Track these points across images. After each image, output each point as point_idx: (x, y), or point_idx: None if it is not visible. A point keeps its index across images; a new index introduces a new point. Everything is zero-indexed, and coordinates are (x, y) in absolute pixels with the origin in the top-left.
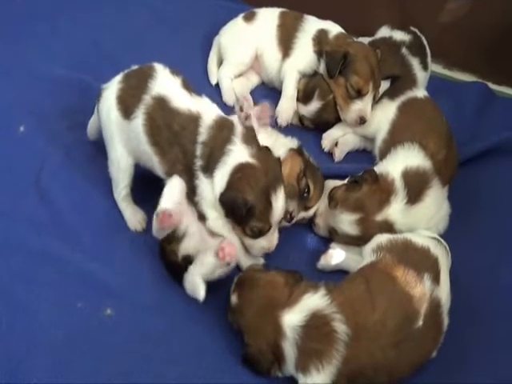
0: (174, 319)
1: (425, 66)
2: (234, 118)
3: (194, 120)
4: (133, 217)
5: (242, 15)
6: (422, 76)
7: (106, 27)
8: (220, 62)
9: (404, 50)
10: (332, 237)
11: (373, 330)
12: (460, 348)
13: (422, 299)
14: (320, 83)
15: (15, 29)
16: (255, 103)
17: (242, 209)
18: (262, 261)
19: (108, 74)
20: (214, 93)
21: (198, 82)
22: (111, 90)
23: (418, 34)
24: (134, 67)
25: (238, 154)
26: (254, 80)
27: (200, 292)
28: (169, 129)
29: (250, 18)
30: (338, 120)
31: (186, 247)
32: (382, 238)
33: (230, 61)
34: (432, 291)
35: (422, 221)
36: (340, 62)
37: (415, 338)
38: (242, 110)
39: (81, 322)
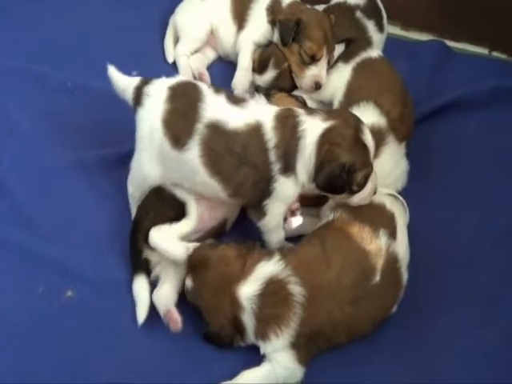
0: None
1: (380, 28)
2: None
3: (255, 132)
4: None
5: None
6: (377, 38)
7: (62, 15)
8: (177, 41)
9: (358, 13)
10: None
11: (329, 288)
12: (420, 301)
13: (379, 255)
14: (275, 52)
15: None
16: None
17: (342, 175)
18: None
19: (66, 62)
20: (172, 71)
21: (156, 62)
22: (156, 108)
23: None
24: (176, 80)
25: (312, 129)
26: (210, 55)
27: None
28: (231, 153)
29: None
30: (294, 88)
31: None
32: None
33: (185, 38)
34: (389, 246)
35: (379, 178)
36: (293, 29)
37: (373, 294)
38: None
39: (43, 305)
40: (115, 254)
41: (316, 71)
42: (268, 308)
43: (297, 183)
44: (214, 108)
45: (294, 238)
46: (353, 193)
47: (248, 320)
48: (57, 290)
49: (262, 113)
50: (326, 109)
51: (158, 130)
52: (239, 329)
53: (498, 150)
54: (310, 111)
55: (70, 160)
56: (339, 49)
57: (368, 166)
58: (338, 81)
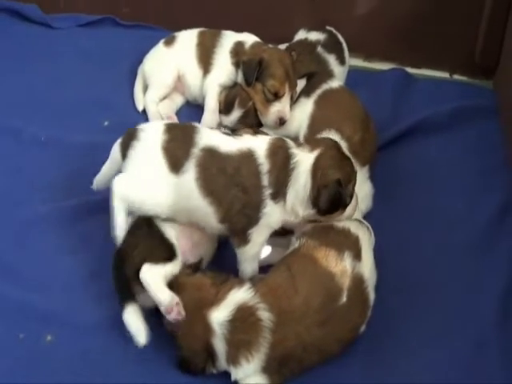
0: (114, 337)
1: (342, 61)
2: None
3: (247, 156)
4: None
5: (162, 40)
6: (339, 71)
7: (34, 73)
8: (146, 89)
9: (319, 49)
10: None
11: (297, 311)
12: (388, 319)
13: (344, 276)
14: (239, 92)
15: None
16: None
17: (340, 191)
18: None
19: (39, 117)
20: (142, 118)
21: (127, 111)
22: (155, 140)
23: (334, 31)
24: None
25: (304, 160)
26: (178, 101)
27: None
28: (223, 173)
29: (170, 41)
30: (259, 126)
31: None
32: (305, 227)
33: (153, 85)
34: (354, 268)
35: None
36: (256, 68)
37: (341, 315)
38: None
39: (23, 351)
40: (92, 296)
41: (280, 107)
42: (238, 333)
43: (284, 210)
44: (209, 137)
45: (265, 269)
46: (346, 206)
47: (219, 345)
48: (37, 336)
49: (254, 142)
50: (306, 140)
51: (159, 157)
52: (211, 354)
53: (459, 169)
54: (298, 143)
55: (45, 211)
56: (301, 84)
57: (355, 175)
58: (301, 115)
